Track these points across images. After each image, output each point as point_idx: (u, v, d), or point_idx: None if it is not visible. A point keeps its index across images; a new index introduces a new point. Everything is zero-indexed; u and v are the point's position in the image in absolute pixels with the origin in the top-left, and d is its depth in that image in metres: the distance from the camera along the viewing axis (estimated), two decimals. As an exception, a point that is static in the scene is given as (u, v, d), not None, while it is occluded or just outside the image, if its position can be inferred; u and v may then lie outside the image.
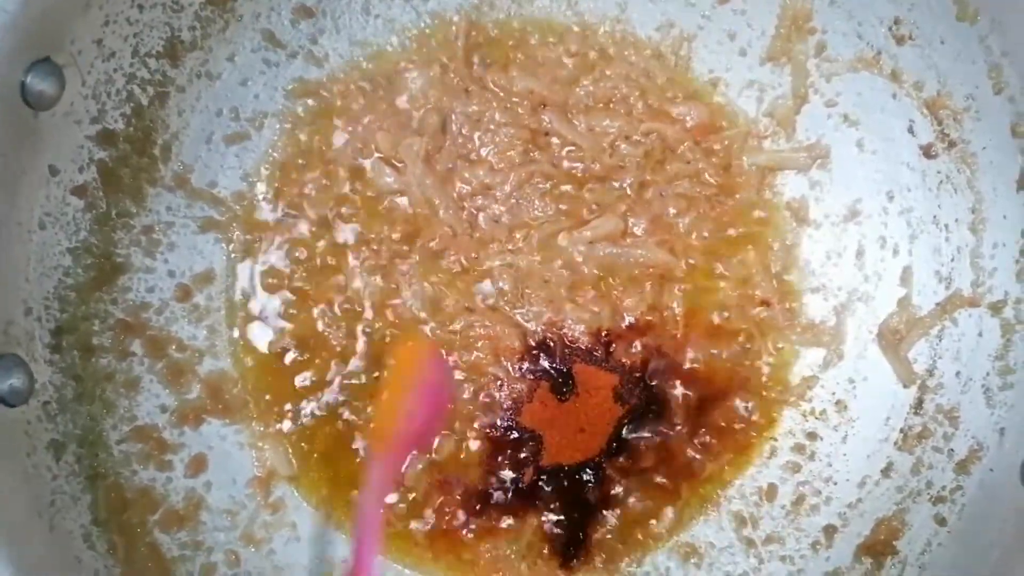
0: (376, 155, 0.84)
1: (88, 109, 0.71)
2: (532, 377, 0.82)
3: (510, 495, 0.82)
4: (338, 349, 0.82)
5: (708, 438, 0.83)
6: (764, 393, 0.83)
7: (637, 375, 0.83)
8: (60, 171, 0.70)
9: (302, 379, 0.82)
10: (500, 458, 0.82)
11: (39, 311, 0.69)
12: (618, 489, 0.82)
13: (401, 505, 0.81)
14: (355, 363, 0.82)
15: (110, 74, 0.72)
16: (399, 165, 0.84)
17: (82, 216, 0.73)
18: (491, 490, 0.82)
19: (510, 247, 0.84)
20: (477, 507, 0.81)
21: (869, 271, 0.83)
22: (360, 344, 0.82)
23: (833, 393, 0.83)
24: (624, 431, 0.82)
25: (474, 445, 0.82)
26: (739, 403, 0.83)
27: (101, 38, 0.70)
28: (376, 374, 0.82)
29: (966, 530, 0.72)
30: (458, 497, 0.81)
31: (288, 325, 0.83)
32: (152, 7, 0.73)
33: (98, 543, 0.70)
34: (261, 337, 0.83)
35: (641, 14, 0.85)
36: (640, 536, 0.82)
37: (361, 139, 0.84)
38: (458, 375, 0.82)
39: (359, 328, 0.82)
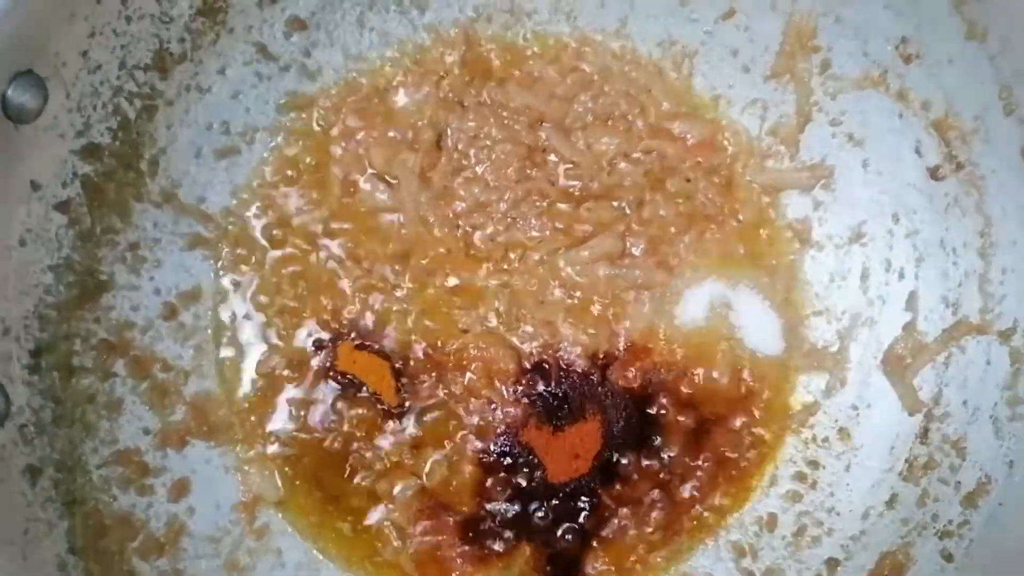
0: (370, 171, 0.82)
1: (72, 122, 0.69)
2: (526, 401, 0.80)
3: (502, 522, 0.79)
4: (327, 370, 0.80)
5: (706, 465, 0.81)
6: (764, 419, 0.81)
7: (634, 400, 0.80)
8: (42, 186, 0.68)
9: (290, 400, 0.80)
10: (493, 484, 0.79)
11: (18, 331, 0.67)
12: (613, 517, 0.80)
13: (390, 532, 0.79)
14: (345, 384, 0.80)
15: (96, 86, 0.70)
16: (393, 181, 0.82)
17: (65, 232, 0.71)
18: (483, 516, 0.79)
19: (505, 267, 0.82)
20: (468, 534, 0.79)
21: (874, 295, 0.81)
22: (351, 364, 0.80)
23: (836, 420, 0.81)
24: (620, 457, 0.80)
25: (466, 470, 0.79)
26: (738, 429, 0.81)
27: (87, 50, 0.68)
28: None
29: (974, 567, 0.70)
30: (449, 524, 0.79)
31: (277, 345, 0.81)
32: (140, 18, 0.71)
33: (74, 572, 0.67)
34: (249, 357, 0.81)
35: (642, 29, 0.83)
36: (636, 566, 0.79)
37: (354, 154, 0.82)
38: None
39: (350, 348, 0.80)
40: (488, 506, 0.79)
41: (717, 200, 0.83)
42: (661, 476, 0.80)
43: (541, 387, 0.80)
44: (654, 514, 0.80)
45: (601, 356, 0.81)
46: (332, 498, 0.79)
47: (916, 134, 0.77)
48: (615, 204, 0.82)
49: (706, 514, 0.81)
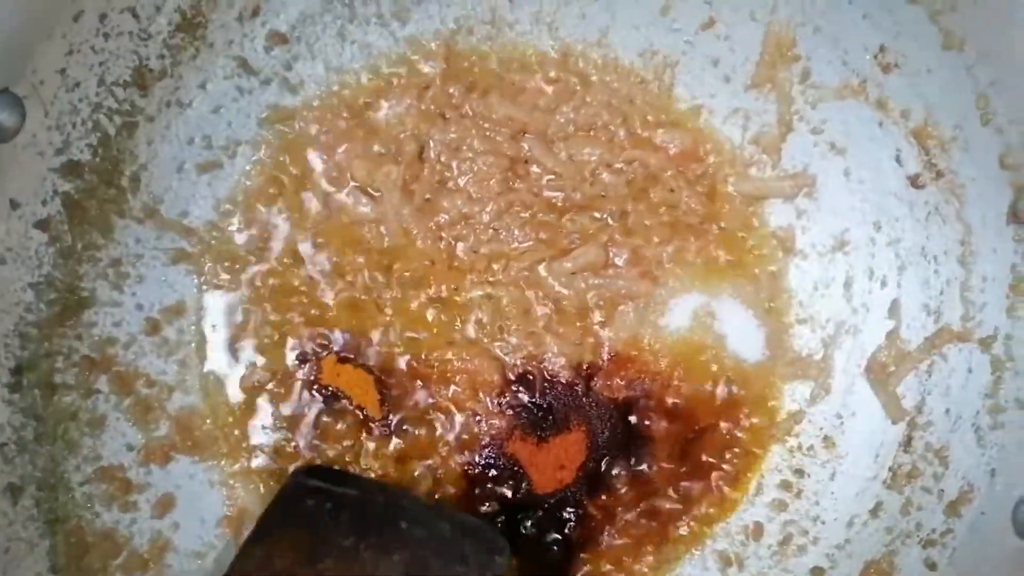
0: (352, 183, 0.82)
1: (52, 140, 0.69)
2: (511, 412, 0.80)
3: (488, 534, 0.79)
4: (311, 383, 0.80)
5: (692, 474, 0.81)
6: (749, 428, 0.81)
7: (618, 410, 0.80)
8: (21, 204, 0.68)
9: (274, 414, 0.80)
10: (478, 495, 0.79)
11: (-3, 349, 0.67)
12: (599, 527, 0.80)
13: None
14: (329, 397, 0.80)
15: (75, 104, 0.70)
16: (376, 194, 0.82)
17: (45, 250, 0.71)
18: (469, 529, 0.79)
19: (489, 278, 0.82)
20: (454, 547, 0.79)
21: (857, 303, 0.81)
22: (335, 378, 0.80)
23: (820, 428, 0.81)
24: (605, 467, 0.80)
25: (451, 482, 0.79)
26: (723, 438, 0.81)
27: (65, 67, 0.68)
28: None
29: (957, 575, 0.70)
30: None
31: (261, 359, 0.81)
32: (119, 35, 0.71)
33: (56, 591, 0.68)
34: (233, 371, 0.80)
35: (623, 40, 0.83)
36: (622, 577, 0.80)
37: (337, 167, 0.82)
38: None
39: (334, 361, 0.80)
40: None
41: (700, 210, 0.83)
42: (646, 486, 0.80)
43: (525, 398, 0.80)
44: (640, 524, 0.80)
45: (585, 367, 0.81)
46: (317, 512, 0.79)
47: (896, 143, 0.77)
48: (598, 215, 0.83)
49: (692, 524, 0.81)
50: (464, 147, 0.82)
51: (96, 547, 0.72)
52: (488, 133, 0.83)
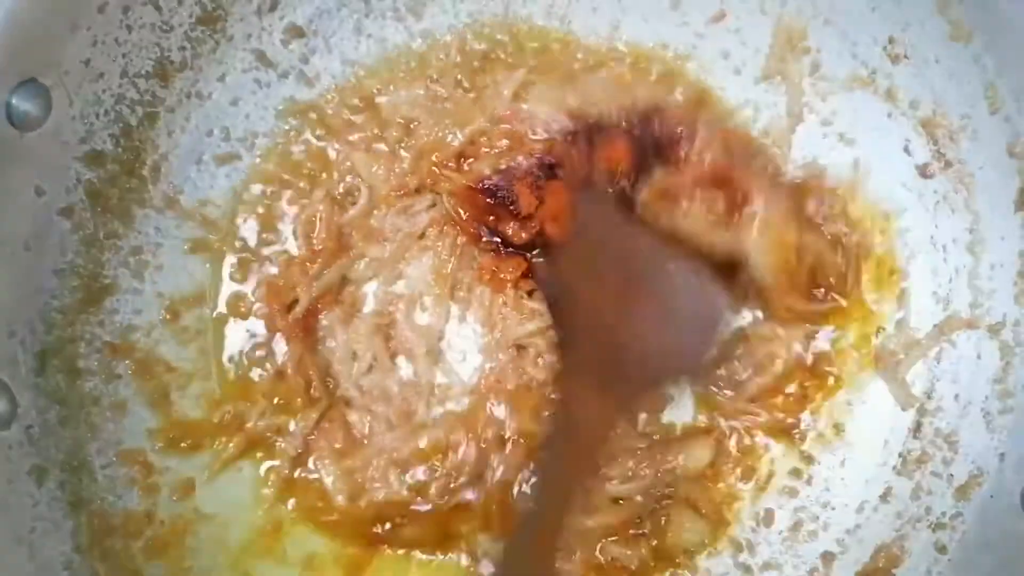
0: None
1: (76, 130, 0.71)
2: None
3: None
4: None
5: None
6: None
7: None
8: (46, 192, 0.70)
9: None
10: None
11: (23, 334, 0.69)
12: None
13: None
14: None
15: (98, 95, 0.72)
16: (388, 186, 0.83)
17: (69, 237, 0.72)
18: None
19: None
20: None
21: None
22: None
23: (831, 415, 0.81)
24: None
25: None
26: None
27: (89, 59, 0.70)
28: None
29: (966, 558, 0.71)
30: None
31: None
32: (141, 28, 0.73)
33: (80, 571, 0.69)
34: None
35: (634, 34, 0.84)
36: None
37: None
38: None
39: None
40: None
41: (711, 200, 0.84)
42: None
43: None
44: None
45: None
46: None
47: (905, 133, 0.78)
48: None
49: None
50: (477, 139, 0.84)
51: (119, 529, 0.73)
52: (501, 125, 0.84)
